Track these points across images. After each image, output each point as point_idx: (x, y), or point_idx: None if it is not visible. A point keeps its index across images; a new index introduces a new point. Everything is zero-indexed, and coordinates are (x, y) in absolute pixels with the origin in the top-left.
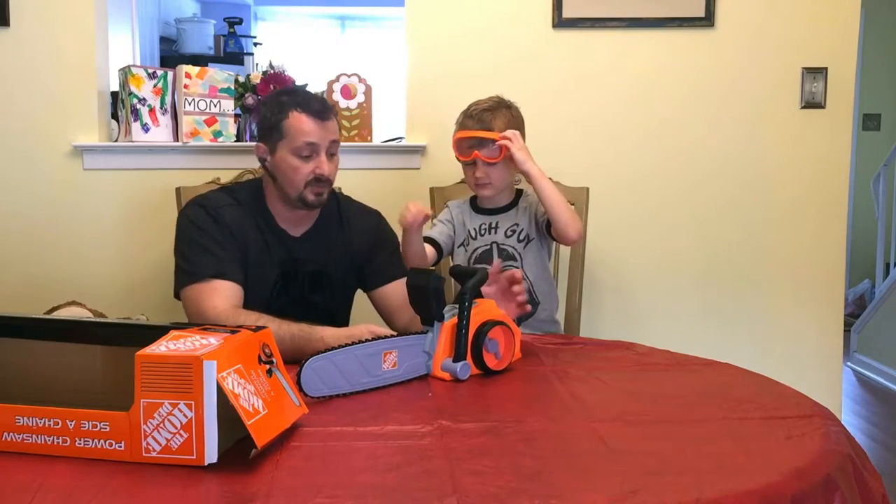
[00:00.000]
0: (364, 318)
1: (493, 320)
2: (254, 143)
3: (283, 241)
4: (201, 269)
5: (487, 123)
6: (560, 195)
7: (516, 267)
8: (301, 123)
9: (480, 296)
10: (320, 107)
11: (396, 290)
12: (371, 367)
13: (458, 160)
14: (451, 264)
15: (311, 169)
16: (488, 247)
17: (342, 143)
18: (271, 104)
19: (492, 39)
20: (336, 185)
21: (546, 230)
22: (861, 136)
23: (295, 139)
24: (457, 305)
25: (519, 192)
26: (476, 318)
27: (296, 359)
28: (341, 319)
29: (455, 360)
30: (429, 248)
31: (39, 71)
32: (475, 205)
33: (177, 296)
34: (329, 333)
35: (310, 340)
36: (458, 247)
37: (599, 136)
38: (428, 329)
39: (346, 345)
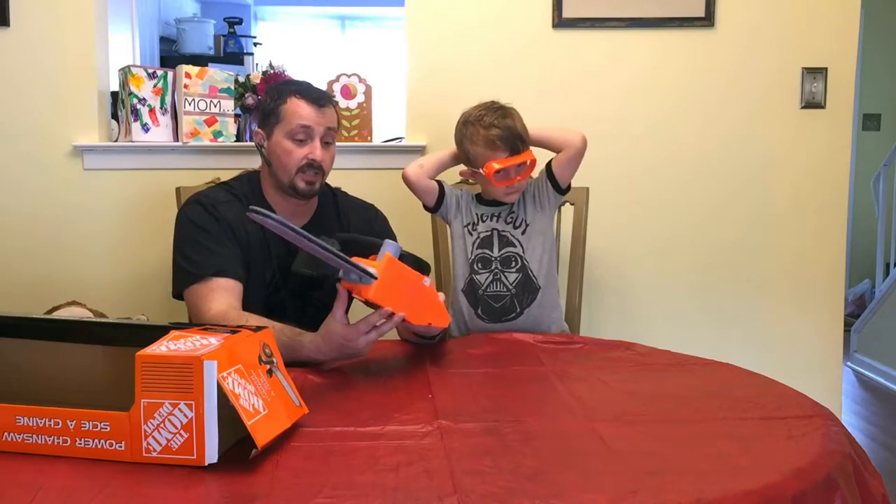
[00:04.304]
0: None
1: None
2: (254, 143)
3: None
4: (202, 267)
5: (518, 147)
6: (548, 128)
7: (517, 253)
8: (298, 108)
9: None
10: (318, 94)
11: None
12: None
13: (493, 183)
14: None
15: (305, 154)
16: (489, 233)
17: (342, 144)
18: (272, 91)
19: (492, 40)
20: (336, 185)
21: (549, 179)
22: (861, 136)
23: (290, 122)
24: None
25: None
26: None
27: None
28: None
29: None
30: (433, 183)
31: (40, 71)
32: (479, 196)
33: (177, 296)
34: (308, 339)
35: (293, 347)
36: (465, 227)
37: (599, 136)
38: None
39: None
